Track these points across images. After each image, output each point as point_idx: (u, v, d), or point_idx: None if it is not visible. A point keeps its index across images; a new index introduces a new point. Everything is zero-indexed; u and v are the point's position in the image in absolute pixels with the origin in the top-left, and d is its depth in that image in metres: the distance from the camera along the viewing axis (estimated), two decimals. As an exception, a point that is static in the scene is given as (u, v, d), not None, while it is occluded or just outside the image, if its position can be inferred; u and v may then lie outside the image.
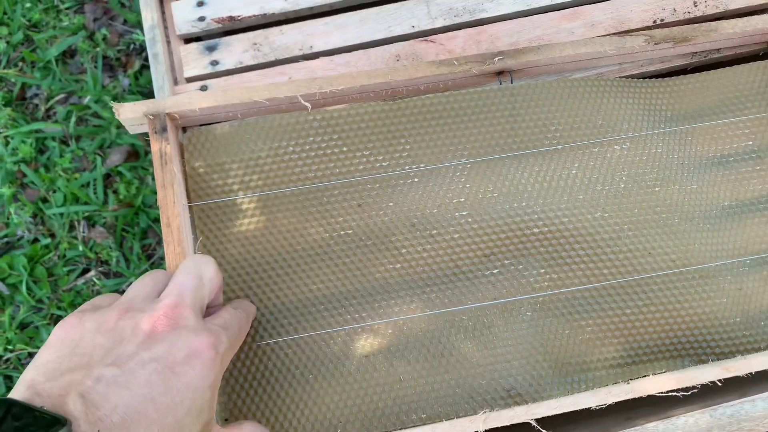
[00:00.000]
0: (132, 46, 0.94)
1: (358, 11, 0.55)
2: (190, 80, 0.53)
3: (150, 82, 0.91)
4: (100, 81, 0.91)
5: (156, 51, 0.53)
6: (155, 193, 0.86)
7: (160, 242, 0.85)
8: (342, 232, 0.47)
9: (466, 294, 0.47)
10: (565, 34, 0.54)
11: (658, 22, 0.55)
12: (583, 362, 0.47)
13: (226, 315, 0.37)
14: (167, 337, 0.31)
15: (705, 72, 0.53)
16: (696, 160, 0.51)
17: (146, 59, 0.93)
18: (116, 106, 0.45)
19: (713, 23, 0.51)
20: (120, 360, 0.29)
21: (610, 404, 0.45)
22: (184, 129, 0.49)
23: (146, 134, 0.87)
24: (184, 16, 0.54)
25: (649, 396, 0.46)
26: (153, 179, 0.87)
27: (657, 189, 0.49)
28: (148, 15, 0.54)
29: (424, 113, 0.48)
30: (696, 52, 0.54)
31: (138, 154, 0.89)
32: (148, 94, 0.91)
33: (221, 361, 0.32)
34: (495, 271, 0.47)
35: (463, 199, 0.48)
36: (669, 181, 0.50)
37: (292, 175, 0.47)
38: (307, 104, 0.47)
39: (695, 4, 0.56)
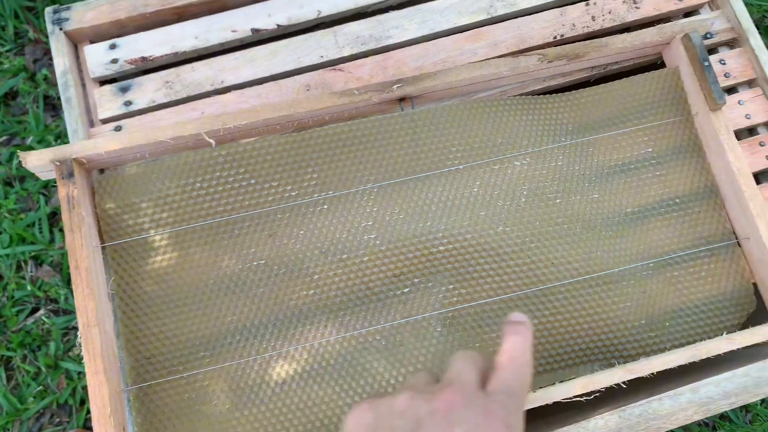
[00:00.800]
0: (73, 84, 0.95)
1: (268, 44, 0.56)
2: (105, 121, 0.54)
3: (92, 118, 0.92)
4: (42, 121, 0.92)
5: (69, 95, 0.54)
6: (101, 228, 0.87)
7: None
8: (255, 263, 0.49)
9: (378, 314, 0.48)
10: (469, 55, 0.56)
11: (559, 38, 0.57)
12: None
13: (505, 376, 0.36)
14: (461, 419, 0.31)
15: (604, 84, 0.55)
16: (597, 170, 0.53)
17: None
18: (22, 155, 0.46)
19: (604, 39, 0.54)
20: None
21: (532, 413, 0.46)
22: (102, 170, 0.51)
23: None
24: (98, 59, 0.56)
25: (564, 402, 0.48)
26: (98, 215, 0.88)
27: (558, 201, 0.51)
28: (60, 61, 0.55)
29: (328, 142, 0.50)
30: (595, 66, 0.56)
31: (83, 190, 0.89)
32: (91, 131, 0.92)
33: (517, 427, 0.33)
34: (405, 290, 0.49)
35: (371, 223, 0.49)
36: (570, 192, 0.52)
37: (201, 210, 0.48)
38: (212, 141, 0.49)
39: (593, 18, 0.58)
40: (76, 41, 0.57)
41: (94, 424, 0.42)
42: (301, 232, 0.49)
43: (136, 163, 0.49)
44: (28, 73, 0.95)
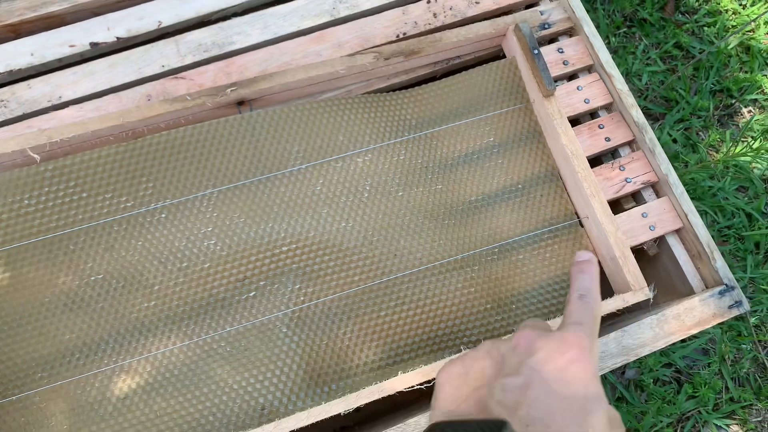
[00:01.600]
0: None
1: (108, 57, 0.56)
2: (-65, 145, 0.52)
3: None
4: None
5: None
6: None
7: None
8: (92, 278, 0.47)
9: (223, 320, 0.48)
10: (314, 56, 0.57)
11: (401, 36, 0.58)
12: (341, 370, 0.48)
13: (575, 309, 0.38)
14: (540, 346, 0.34)
15: (446, 78, 0.56)
16: (441, 161, 0.54)
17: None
18: None
19: (438, 34, 0.55)
20: (512, 370, 0.33)
21: (400, 408, 0.46)
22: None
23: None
24: (-74, 82, 0.54)
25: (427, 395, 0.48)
26: None
27: (401, 194, 0.52)
28: None
29: (162, 150, 0.49)
30: (437, 62, 0.57)
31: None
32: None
33: (591, 353, 0.35)
34: (251, 294, 0.49)
35: (211, 229, 0.49)
36: (413, 185, 0.52)
37: (32, 227, 0.47)
38: (36, 156, 0.47)
39: (435, 15, 0.59)
40: None
41: None
42: (139, 243, 0.48)
43: None
44: None
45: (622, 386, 0.87)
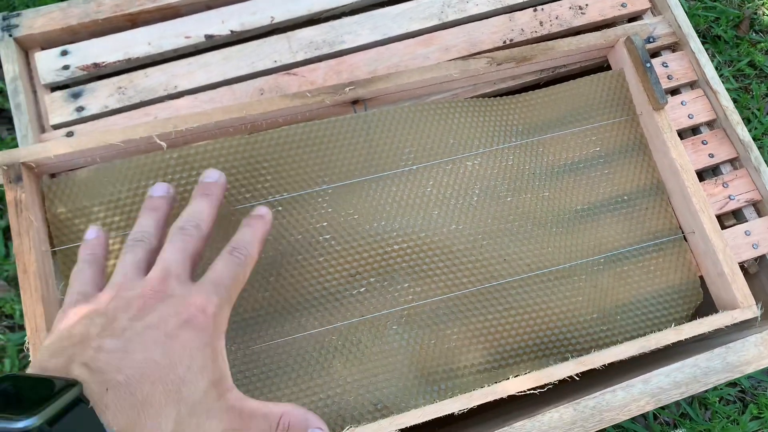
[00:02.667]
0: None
1: (222, 50, 0.57)
2: (56, 127, 0.54)
3: None
4: (-4, 134, 0.91)
5: (18, 101, 0.53)
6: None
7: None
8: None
9: (334, 314, 0.49)
10: (421, 59, 0.57)
11: (508, 42, 0.59)
12: (450, 370, 0.48)
13: (219, 266, 0.37)
14: (157, 308, 0.33)
15: (553, 86, 0.57)
16: (548, 169, 0.54)
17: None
18: None
19: (551, 42, 0.55)
20: (116, 332, 0.31)
21: (489, 410, 0.46)
22: (53, 175, 0.50)
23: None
24: (48, 66, 0.55)
25: (522, 398, 0.48)
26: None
27: (509, 199, 0.52)
28: (10, 67, 0.54)
29: (282, 144, 0.50)
30: (543, 69, 0.58)
31: (38, 204, 0.88)
32: None
33: (215, 319, 0.34)
34: (362, 289, 0.49)
35: (326, 224, 0.50)
36: (521, 191, 0.53)
37: None
38: (163, 143, 0.49)
39: (541, 23, 0.60)
40: (26, 48, 0.56)
41: None
42: None
43: (87, 168, 0.48)
44: (-19, 86, 0.93)
45: (686, 403, 0.87)
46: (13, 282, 0.84)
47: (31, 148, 0.46)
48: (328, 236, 0.49)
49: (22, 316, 0.83)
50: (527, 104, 0.56)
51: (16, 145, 0.78)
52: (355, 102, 0.53)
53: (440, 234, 0.50)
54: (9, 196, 0.45)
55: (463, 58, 0.55)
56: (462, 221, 0.50)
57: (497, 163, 0.53)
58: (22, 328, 0.83)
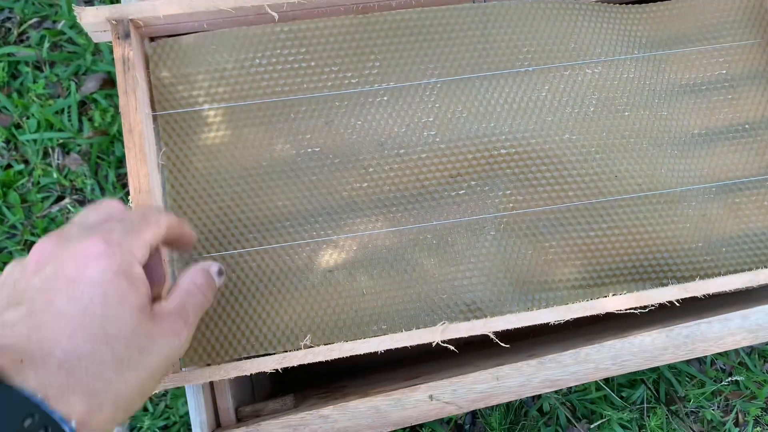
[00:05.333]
0: (108, -30, 0.91)
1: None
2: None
3: (126, 8, 0.89)
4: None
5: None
6: (131, 121, 0.85)
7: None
8: (309, 150, 0.47)
9: (431, 213, 0.47)
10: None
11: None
12: (545, 282, 0.47)
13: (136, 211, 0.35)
14: (53, 256, 0.30)
15: (682, -1, 0.52)
16: (668, 87, 0.51)
17: (122, -16, 0.91)
18: (78, 10, 0.44)
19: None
20: (17, 298, 0.29)
21: (571, 327, 0.46)
22: (152, 39, 0.48)
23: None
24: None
25: (610, 320, 0.47)
26: (129, 108, 0.86)
27: (627, 114, 0.49)
28: None
29: (394, 29, 0.47)
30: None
31: (113, 81, 0.87)
32: (124, 21, 0.89)
33: (121, 246, 0.30)
34: (461, 191, 0.48)
35: (431, 119, 0.47)
36: (639, 107, 0.50)
37: (258, 88, 0.46)
38: (274, 14, 0.46)
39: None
40: None
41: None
42: (359, 122, 0.47)
43: (194, 33, 0.47)
44: (61, -45, 0.91)
45: (745, 352, 0.85)
46: (86, 157, 0.84)
47: (140, 5, 0.44)
48: (433, 132, 0.47)
49: (92, 191, 0.84)
50: (654, 16, 0.52)
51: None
52: (473, -7, 0.49)
53: (551, 142, 0.47)
54: (117, 53, 0.44)
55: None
56: (576, 131, 0.48)
57: (617, 75, 0.49)
58: (91, 201, 0.84)
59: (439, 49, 0.48)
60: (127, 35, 0.44)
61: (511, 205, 0.47)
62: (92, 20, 0.44)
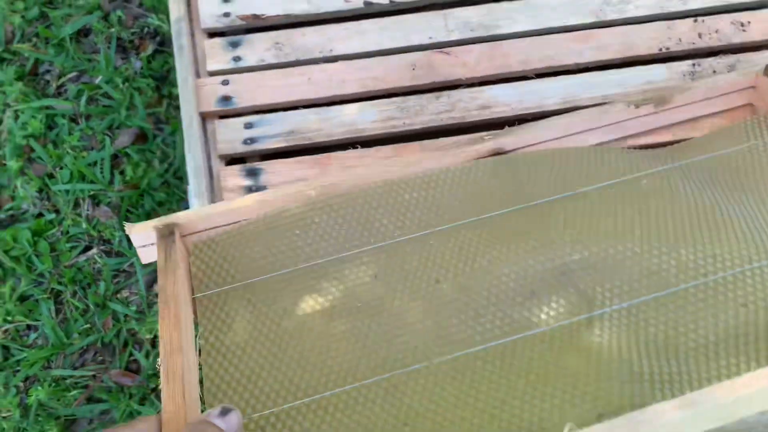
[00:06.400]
0: (146, 29, 0.95)
1: (378, 19, 0.57)
2: (212, 74, 0.55)
3: (162, 66, 0.93)
4: (112, 62, 0.93)
5: (181, 43, 0.54)
6: (161, 176, 0.88)
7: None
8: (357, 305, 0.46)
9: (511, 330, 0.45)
10: (575, 56, 0.57)
11: (664, 50, 0.58)
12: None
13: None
14: None
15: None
16: None
17: (160, 44, 0.94)
18: (128, 226, 0.46)
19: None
20: None
21: None
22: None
23: (152, 114, 0.89)
24: (210, 11, 0.56)
25: None
26: (159, 162, 0.88)
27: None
28: (175, 7, 0.55)
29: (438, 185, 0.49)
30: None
31: (146, 137, 0.90)
32: (160, 78, 0.92)
33: None
34: (551, 312, 0.46)
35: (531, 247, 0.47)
36: None
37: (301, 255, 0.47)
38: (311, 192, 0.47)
39: (699, 35, 0.58)
40: (188, -11, 0.57)
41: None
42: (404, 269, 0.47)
43: (229, 230, 0.48)
44: (102, 12, 0.95)
45: None
46: (115, 210, 0.87)
47: (184, 214, 0.46)
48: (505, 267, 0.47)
49: (120, 243, 0.86)
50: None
51: (129, 75, 0.79)
52: (495, 153, 0.51)
53: None
54: (159, 246, 0.45)
55: (599, 104, 0.52)
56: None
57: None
58: (119, 254, 0.86)
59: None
60: (171, 233, 0.45)
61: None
62: (140, 230, 0.45)
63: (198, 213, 0.47)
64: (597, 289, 0.46)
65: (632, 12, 0.59)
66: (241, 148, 0.53)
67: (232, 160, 0.55)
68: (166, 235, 0.45)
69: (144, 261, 0.47)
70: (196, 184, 0.51)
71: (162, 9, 0.95)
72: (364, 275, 0.46)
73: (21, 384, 0.81)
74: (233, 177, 0.53)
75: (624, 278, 0.46)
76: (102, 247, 0.86)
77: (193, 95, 0.53)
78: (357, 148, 0.54)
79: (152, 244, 0.46)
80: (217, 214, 0.46)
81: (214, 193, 0.53)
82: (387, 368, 0.44)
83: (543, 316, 0.45)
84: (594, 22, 0.58)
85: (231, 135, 0.53)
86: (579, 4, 0.58)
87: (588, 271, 0.47)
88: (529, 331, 0.45)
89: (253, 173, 0.53)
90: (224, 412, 0.36)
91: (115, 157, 0.89)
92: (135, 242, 0.46)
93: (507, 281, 0.47)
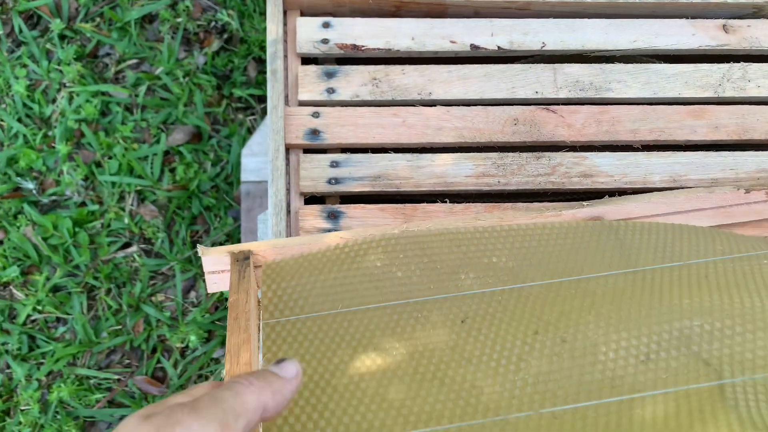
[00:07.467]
0: (213, 23, 0.91)
1: (484, 65, 0.53)
2: (302, 104, 0.51)
3: (226, 64, 0.89)
4: (175, 53, 0.89)
5: (275, 67, 0.51)
6: (212, 179, 0.84)
7: (207, 231, 0.83)
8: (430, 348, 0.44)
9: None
10: (688, 131, 0.53)
11: (780, 136, 0.54)
12: None
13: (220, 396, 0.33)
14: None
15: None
16: None
17: (226, 41, 0.91)
18: (201, 249, 0.43)
19: None
20: None
21: None
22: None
23: (210, 114, 0.85)
24: (308, 35, 0.52)
25: None
26: (212, 165, 0.85)
27: None
28: (273, 28, 0.52)
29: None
30: (815, 178, 0.53)
31: (201, 136, 0.87)
32: (222, 77, 0.89)
33: None
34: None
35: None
36: None
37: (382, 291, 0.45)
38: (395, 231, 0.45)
39: (822, 125, 0.54)
40: (286, 7, 0.54)
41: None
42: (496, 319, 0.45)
43: (298, 257, 0.45)
44: (170, 0, 0.91)
45: None
46: (162, 209, 0.84)
47: (259, 246, 0.44)
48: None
49: (162, 244, 0.83)
50: None
51: (191, 70, 0.77)
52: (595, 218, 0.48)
53: None
54: (233, 269, 0.43)
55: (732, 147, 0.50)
56: None
57: None
58: (158, 255, 0.83)
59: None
60: (246, 258, 0.43)
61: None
62: (214, 253, 0.43)
63: (273, 243, 0.44)
64: (724, 359, 0.43)
65: (753, 91, 0.55)
66: (323, 188, 0.50)
67: (311, 197, 0.52)
68: (241, 259, 0.43)
69: (210, 290, 0.45)
70: (275, 223, 0.48)
71: (231, 5, 0.91)
72: (447, 319, 0.44)
73: (44, 378, 0.78)
74: (313, 217, 0.49)
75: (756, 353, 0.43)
76: (142, 246, 0.83)
77: (283, 125, 0.50)
78: (446, 202, 0.51)
79: (222, 271, 0.44)
80: (294, 245, 0.44)
81: (290, 230, 0.50)
82: (479, 415, 0.41)
83: (659, 381, 0.42)
84: (711, 97, 0.54)
85: (315, 172, 0.50)
86: (696, 76, 0.54)
87: (713, 343, 0.44)
88: (638, 393, 0.42)
89: (334, 216, 0.49)
90: (280, 361, 0.35)
91: (166, 153, 0.86)
92: (206, 267, 0.44)
93: (618, 339, 0.43)
